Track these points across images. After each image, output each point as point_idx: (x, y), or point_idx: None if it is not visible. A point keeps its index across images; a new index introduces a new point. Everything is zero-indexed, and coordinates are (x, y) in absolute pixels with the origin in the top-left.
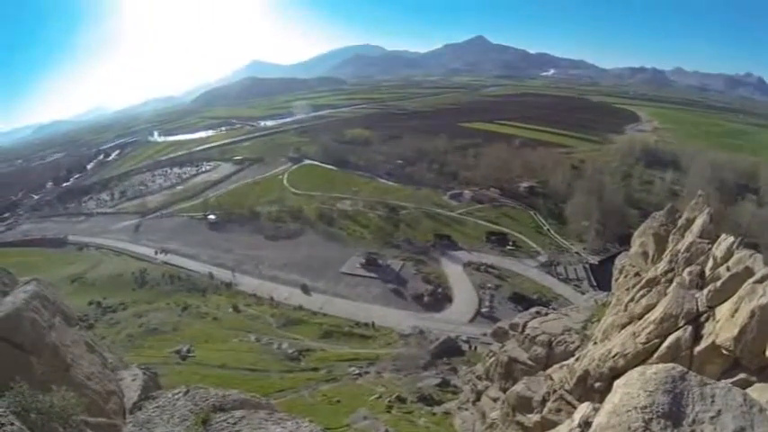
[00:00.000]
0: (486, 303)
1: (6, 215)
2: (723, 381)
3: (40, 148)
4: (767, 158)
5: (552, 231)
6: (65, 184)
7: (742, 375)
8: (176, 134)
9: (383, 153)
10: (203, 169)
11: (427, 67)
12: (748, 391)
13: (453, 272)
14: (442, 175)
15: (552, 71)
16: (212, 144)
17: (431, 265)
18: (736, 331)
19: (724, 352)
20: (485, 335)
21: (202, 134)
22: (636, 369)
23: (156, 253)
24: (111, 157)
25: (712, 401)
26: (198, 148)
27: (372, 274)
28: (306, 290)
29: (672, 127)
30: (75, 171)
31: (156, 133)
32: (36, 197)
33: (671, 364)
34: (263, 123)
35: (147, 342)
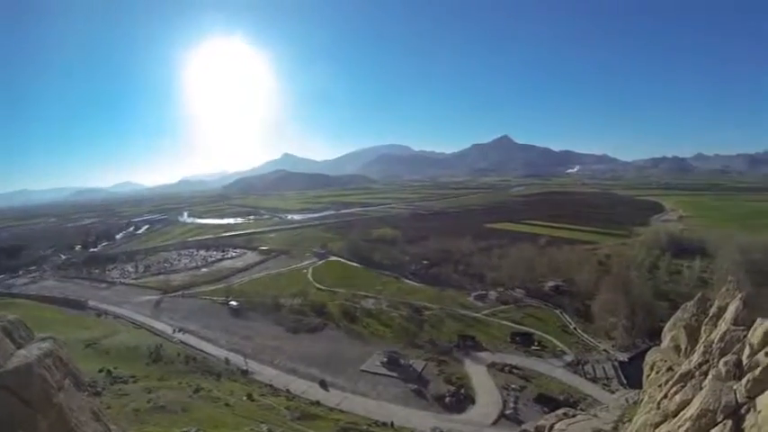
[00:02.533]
0: (511, 405)
1: (32, 269)
2: None
3: (75, 210)
4: None
5: (579, 330)
6: (92, 250)
7: None
8: (205, 217)
9: (409, 253)
10: (229, 255)
11: (454, 166)
12: None
13: (476, 372)
14: (467, 275)
15: (577, 167)
16: (240, 231)
17: (454, 366)
18: None
19: None
20: None
21: (231, 220)
22: None
23: (174, 331)
24: (140, 231)
25: None
26: (225, 234)
27: (393, 374)
28: (324, 385)
29: (697, 213)
30: (104, 238)
31: (185, 214)
32: (63, 257)
33: None
34: (290, 216)
35: (154, 419)
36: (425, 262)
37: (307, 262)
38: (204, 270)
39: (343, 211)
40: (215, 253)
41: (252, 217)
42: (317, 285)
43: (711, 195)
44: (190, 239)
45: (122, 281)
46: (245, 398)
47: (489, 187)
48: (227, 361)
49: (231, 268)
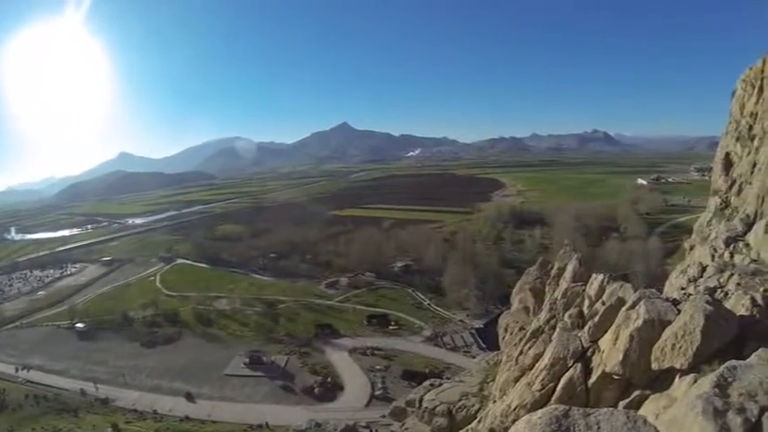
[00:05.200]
0: (379, 385)
1: None
2: (621, 402)
3: None
4: (622, 200)
5: (433, 305)
6: None
7: (637, 392)
8: (38, 232)
9: (256, 248)
10: (69, 272)
11: (296, 156)
12: (646, 403)
13: (340, 359)
14: (316, 265)
15: (418, 151)
16: (78, 243)
17: (316, 356)
18: (620, 356)
19: (615, 377)
20: (383, 416)
21: (67, 232)
22: (522, 419)
23: (16, 370)
24: None
25: (598, 428)
26: (62, 248)
27: (258, 373)
28: (190, 397)
29: (534, 187)
30: None
31: (13, 230)
32: None
33: (553, 406)
34: (131, 221)
35: None
36: (273, 255)
37: (154, 268)
38: (42, 293)
39: (186, 211)
40: (53, 271)
41: (90, 226)
42: (167, 292)
43: (547, 171)
44: (21, 259)
45: None
46: (109, 430)
47: (331, 175)
48: (82, 392)
49: (73, 286)
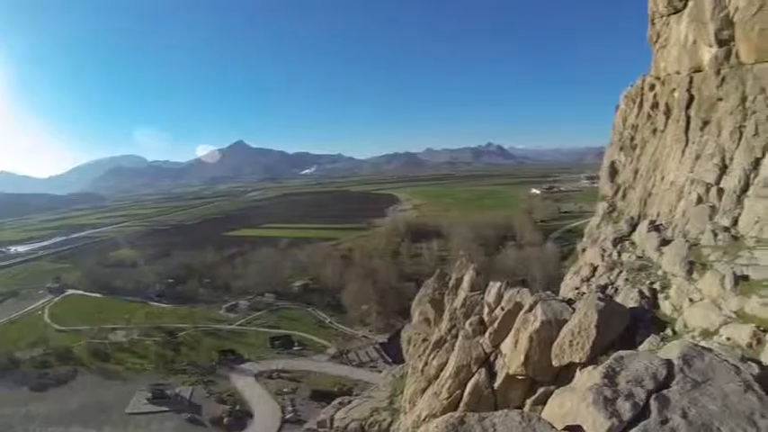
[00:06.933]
0: (289, 408)
1: None
2: (528, 400)
3: None
4: (517, 210)
5: (335, 322)
6: None
7: (542, 389)
8: None
9: (152, 273)
10: None
11: (190, 176)
12: (551, 398)
13: (246, 385)
14: (214, 288)
15: (313, 168)
16: None
17: (221, 384)
18: (522, 358)
19: (520, 378)
20: None
21: None
22: (419, 429)
23: None
24: None
25: (494, 430)
26: None
27: (163, 408)
28: None
29: (430, 201)
30: None
31: None
32: None
33: (449, 414)
34: (13, 249)
35: None
36: (170, 280)
37: (41, 301)
38: None
39: (75, 236)
40: None
41: None
42: (58, 327)
43: (442, 184)
44: None
45: None
46: None
47: (225, 195)
48: None
49: None
